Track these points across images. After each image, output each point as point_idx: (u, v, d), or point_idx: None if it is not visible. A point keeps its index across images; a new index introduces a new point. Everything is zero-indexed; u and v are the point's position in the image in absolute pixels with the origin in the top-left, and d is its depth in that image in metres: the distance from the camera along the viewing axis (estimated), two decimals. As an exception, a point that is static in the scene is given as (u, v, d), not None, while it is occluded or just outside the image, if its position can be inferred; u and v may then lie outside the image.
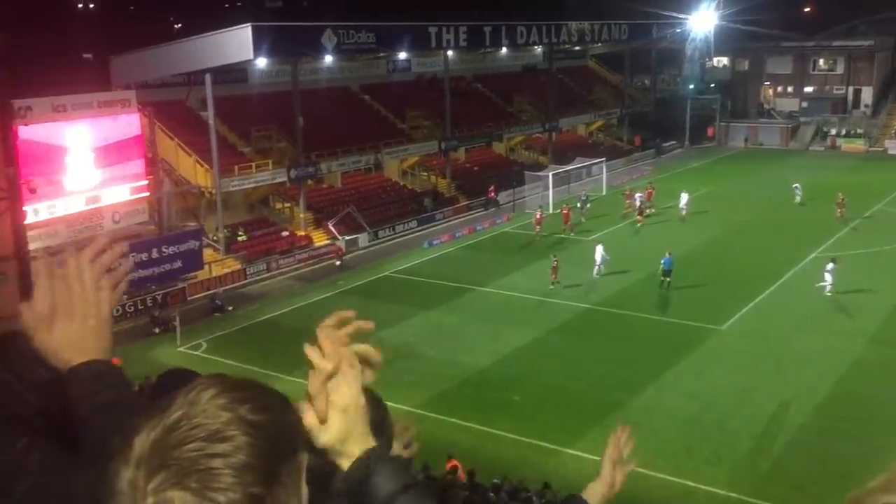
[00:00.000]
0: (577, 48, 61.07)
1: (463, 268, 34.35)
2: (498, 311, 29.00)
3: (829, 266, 29.22)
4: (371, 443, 1.27)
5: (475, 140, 51.03)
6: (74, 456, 1.38)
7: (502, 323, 27.78)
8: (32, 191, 27.31)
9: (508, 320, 28.06)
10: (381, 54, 45.98)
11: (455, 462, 16.79)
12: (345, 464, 1.24)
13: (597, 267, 31.78)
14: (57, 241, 29.17)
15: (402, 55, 46.61)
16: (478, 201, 46.38)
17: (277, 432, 1.01)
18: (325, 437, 1.20)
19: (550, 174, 45.67)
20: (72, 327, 1.47)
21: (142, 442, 0.94)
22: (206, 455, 0.93)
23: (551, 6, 56.59)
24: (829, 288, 28.96)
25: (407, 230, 41.62)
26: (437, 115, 47.80)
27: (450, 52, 46.67)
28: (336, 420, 1.20)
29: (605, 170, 49.91)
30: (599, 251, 32.01)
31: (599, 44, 60.26)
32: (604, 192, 47.54)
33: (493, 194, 46.38)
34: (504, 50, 53.37)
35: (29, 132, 27.34)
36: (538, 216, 39.24)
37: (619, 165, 55.87)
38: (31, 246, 24.92)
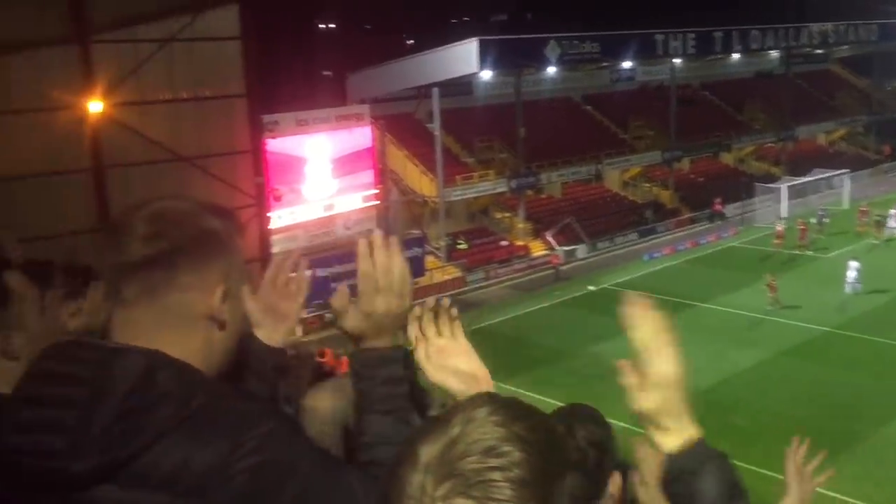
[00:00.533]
0: (819, 51, 56.77)
1: (685, 282, 32.98)
2: (722, 330, 27.52)
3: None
4: (690, 428, 1.46)
5: (701, 150, 48.89)
6: (336, 469, 1.47)
7: (727, 342, 26.32)
8: (277, 198, 29.75)
9: (734, 340, 26.54)
10: (605, 64, 45.40)
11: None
12: (658, 436, 1.42)
13: (849, 285, 29.27)
14: (295, 246, 31.53)
15: (627, 64, 45.70)
16: (702, 214, 44.38)
17: (549, 450, 1.05)
18: (644, 404, 1.36)
19: (784, 186, 42.74)
20: (379, 313, 1.72)
21: (428, 451, 1.01)
22: (487, 468, 0.98)
23: (789, 7, 53.09)
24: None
25: (627, 242, 40.69)
26: (662, 125, 46.38)
27: (676, 60, 45.17)
28: (653, 393, 1.34)
29: (847, 182, 45.90)
30: (854, 268, 29.49)
31: (845, 46, 55.65)
32: (846, 206, 43.74)
33: (719, 207, 44.16)
34: (735, 56, 50.76)
35: (275, 145, 29.81)
36: (779, 229, 36.84)
37: (865, 177, 51.06)
38: (274, 249, 27.12)
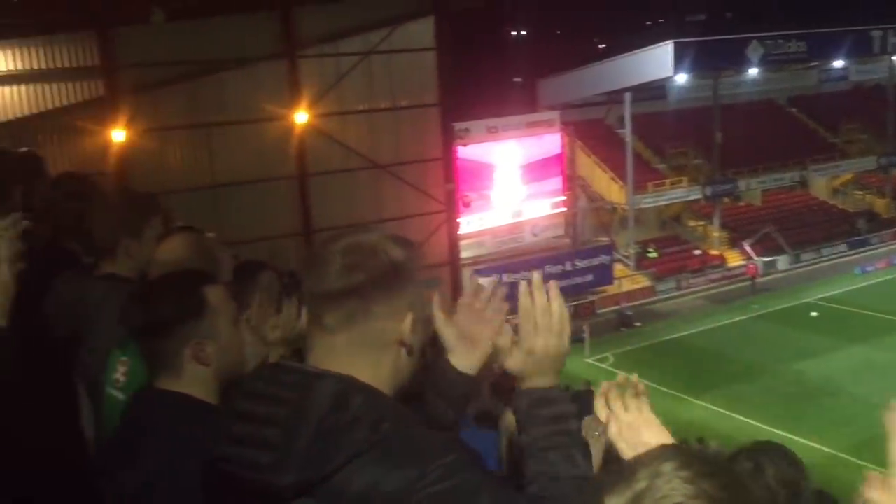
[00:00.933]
0: None
1: (902, 299, 30.17)
2: (946, 352, 24.91)
3: None
4: None
5: (924, 154, 44.53)
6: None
7: (952, 366, 23.78)
8: (466, 205, 30.31)
9: (960, 364, 23.94)
10: (813, 64, 42.49)
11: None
12: None
13: None
14: (483, 252, 32.00)
15: (838, 63, 42.50)
16: (925, 225, 40.43)
17: None
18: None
19: None
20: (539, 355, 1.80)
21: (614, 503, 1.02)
22: None
23: None
24: None
25: (835, 254, 37.82)
26: (877, 128, 42.73)
27: (895, 58, 41.47)
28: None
29: None
30: None
31: None
32: None
33: (945, 217, 40.07)
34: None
35: (465, 152, 30.38)
36: None
37: None
38: (462, 255, 27.66)
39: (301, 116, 20.97)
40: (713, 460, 1.07)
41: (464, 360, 1.89)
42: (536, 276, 1.81)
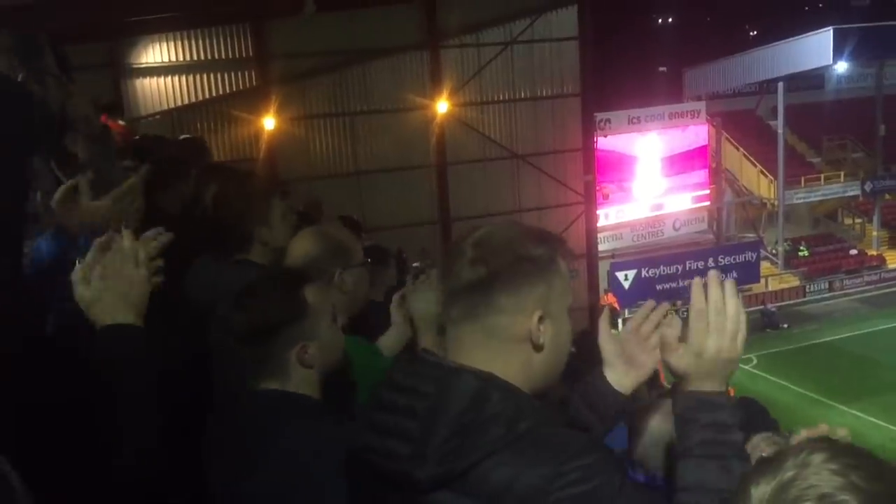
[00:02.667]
0: None
1: None
2: None
3: None
4: None
5: None
6: None
7: None
8: (605, 197, 29.80)
9: None
10: None
11: None
12: None
13: None
14: (621, 245, 31.36)
15: None
16: None
17: (890, 500, 1.02)
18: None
19: None
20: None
21: (760, 491, 1.03)
22: None
23: None
24: None
25: None
26: None
27: None
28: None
29: None
30: None
31: None
32: None
33: None
34: None
35: (606, 142, 29.84)
36: None
37: None
38: (600, 247, 27.19)
39: (442, 106, 21.17)
40: (861, 452, 1.05)
41: (620, 378, 1.90)
42: (713, 273, 1.74)
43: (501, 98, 22.25)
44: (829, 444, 1.06)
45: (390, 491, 1.49)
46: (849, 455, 1.03)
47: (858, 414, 20.55)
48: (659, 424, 2.59)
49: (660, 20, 51.08)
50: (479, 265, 1.52)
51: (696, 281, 1.75)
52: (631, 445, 2.67)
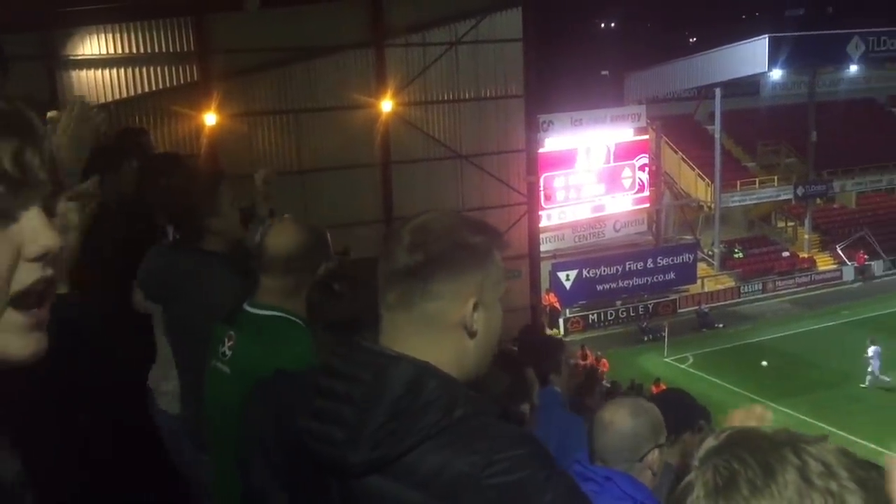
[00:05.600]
0: None
1: None
2: None
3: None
4: None
5: None
6: None
7: None
8: (548, 197, 30.12)
9: None
10: (918, 61, 40.54)
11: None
12: None
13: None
14: (563, 246, 31.74)
15: (946, 61, 40.43)
16: None
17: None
18: None
19: None
20: None
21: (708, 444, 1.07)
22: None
23: None
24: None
25: (934, 261, 36.14)
26: None
27: None
28: None
29: None
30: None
31: None
32: None
33: None
34: None
35: (549, 144, 30.16)
36: None
37: None
38: (542, 247, 27.48)
39: (386, 105, 21.17)
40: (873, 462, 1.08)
41: None
42: None
43: (446, 98, 22.34)
44: (843, 448, 1.06)
45: (328, 476, 1.52)
46: (854, 456, 1.05)
47: (788, 411, 21.17)
48: (623, 421, 2.70)
49: (602, 25, 51.86)
50: (416, 251, 1.53)
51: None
52: (591, 440, 2.76)
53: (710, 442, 1.07)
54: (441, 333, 1.56)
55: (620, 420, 2.70)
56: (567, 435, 3.62)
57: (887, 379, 23.79)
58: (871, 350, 24.00)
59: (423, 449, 1.43)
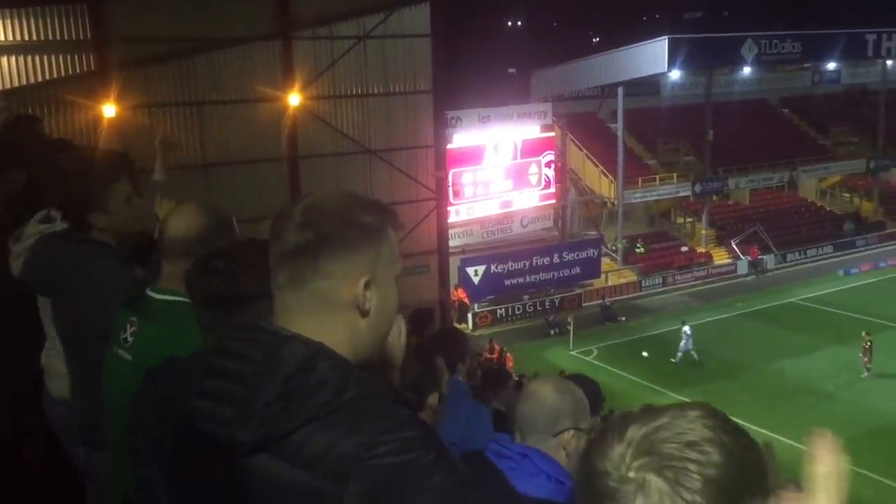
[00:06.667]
0: None
1: (885, 302, 30.42)
2: (925, 357, 25.19)
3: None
4: None
5: (913, 160, 44.87)
6: (465, 491, 1.50)
7: (931, 370, 24.06)
8: (456, 193, 30.32)
9: (939, 368, 24.21)
10: (806, 65, 42.69)
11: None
12: None
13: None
14: (471, 241, 32.03)
15: (831, 65, 42.69)
16: (910, 229, 40.78)
17: (748, 469, 1.09)
18: None
19: None
20: None
21: (635, 429, 1.10)
22: (685, 457, 1.06)
23: None
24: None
25: (820, 255, 38.11)
26: (868, 132, 43.00)
27: (889, 62, 41.67)
28: None
29: None
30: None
31: None
32: None
33: (930, 222, 40.44)
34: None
35: (457, 140, 30.38)
36: None
37: None
38: (451, 243, 27.66)
39: (294, 98, 20.87)
40: (740, 428, 1.13)
41: None
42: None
43: (354, 93, 22.20)
44: (710, 408, 1.13)
45: (213, 455, 1.48)
46: (726, 421, 1.12)
47: (686, 400, 21.93)
48: (546, 393, 2.77)
49: (509, 23, 52.47)
50: (307, 229, 1.51)
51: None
52: (515, 409, 2.82)
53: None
54: (332, 313, 1.54)
55: (545, 391, 2.77)
56: (473, 423, 3.68)
57: (696, 356, 25.75)
58: (686, 329, 26.11)
59: (310, 428, 1.41)
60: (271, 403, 1.42)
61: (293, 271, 1.53)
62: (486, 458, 2.69)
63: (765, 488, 1.12)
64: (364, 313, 1.56)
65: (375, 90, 22.38)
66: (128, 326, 2.64)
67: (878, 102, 42.23)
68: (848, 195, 43.31)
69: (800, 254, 37.86)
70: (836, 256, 37.90)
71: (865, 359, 24.03)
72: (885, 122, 41.68)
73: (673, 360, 25.95)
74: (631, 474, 1.06)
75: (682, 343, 26.01)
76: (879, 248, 38.90)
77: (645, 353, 26.52)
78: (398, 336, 1.77)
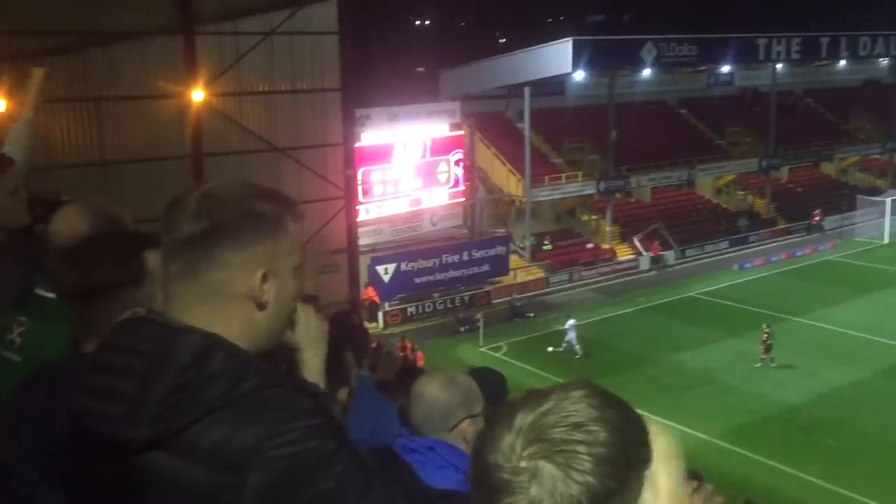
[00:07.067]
0: (933, 59, 53.93)
1: (777, 295, 31.93)
2: (814, 346, 26.53)
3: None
4: None
5: (801, 159, 47.19)
6: (368, 479, 1.48)
7: (819, 359, 25.35)
8: (365, 192, 30.19)
9: (827, 356, 25.53)
10: (703, 67, 44.36)
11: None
12: None
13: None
14: (381, 239, 31.96)
15: (725, 68, 44.48)
16: (799, 225, 42.87)
17: (634, 442, 1.13)
18: None
19: (889, 200, 40.87)
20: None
21: (522, 417, 1.11)
22: (573, 440, 1.08)
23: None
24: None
25: (717, 251, 39.66)
26: (760, 132, 44.97)
27: (779, 66, 43.73)
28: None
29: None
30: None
31: (962, 54, 52.71)
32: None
33: (817, 218, 42.61)
34: (842, 63, 48.74)
35: (366, 138, 30.24)
36: None
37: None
38: (361, 242, 27.54)
39: (197, 95, 20.36)
40: (621, 400, 1.16)
41: None
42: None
43: (261, 90, 21.83)
44: (592, 385, 1.16)
45: (104, 454, 1.41)
46: (608, 396, 1.15)
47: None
48: (433, 392, 2.79)
49: (417, 22, 52.57)
50: (201, 218, 1.46)
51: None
52: (409, 413, 2.83)
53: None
54: (228, 305, 1.49)
55: (431, 391, 2.78)
56: (380, 418, 3.69)
57: (578, 349, 26.49)
58: (568, 323, 26.81)
59: (207, 422, 1.36)
60: (165, 398, 1.37)
61: (187, 262, 1.47)
62: (394, 453, 2.71)
63: (648, 456, 1.16)
64: (261, 306, 1.51)
65: (283, 87, 22.07)
66: (14, 327, 2.54)
67: (769, 104, 44.17)
68: (742, 193, 45.21)
69: (698, 249, 39.29)
70: (731, 252, 39.48)
71: (762, 349, 25.09)
72: (775, 123, 43.67)
73: (558, 349, 26.73)
74: (523, 464, 1.07)
75: (567, 336, 26.79)
76: (771, 244, 40.79)
77: (550, 349, 27.05)
78: (306, 326, 1.75)
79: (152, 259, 2.03)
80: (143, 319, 1.50)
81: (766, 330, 25.15)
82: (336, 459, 1.40)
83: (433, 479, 2.62)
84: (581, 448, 1.07)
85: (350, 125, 24.44)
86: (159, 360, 1.40)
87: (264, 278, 1.50)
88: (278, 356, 1.70)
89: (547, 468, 1.06)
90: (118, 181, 18.57)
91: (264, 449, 1.35)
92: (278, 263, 1.53)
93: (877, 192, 44.36)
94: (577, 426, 1.09)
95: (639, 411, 1.20)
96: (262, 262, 1.50)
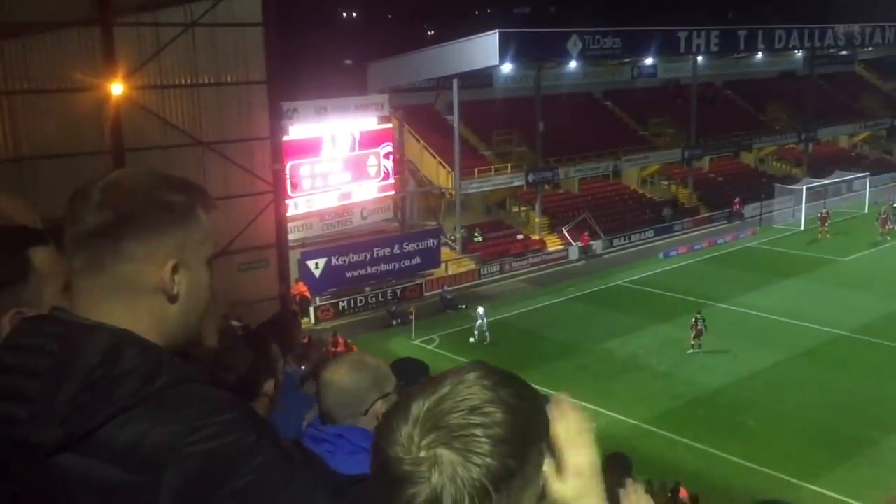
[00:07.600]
0: (844, 53, 56.19)
1: (700, 282, 32.86)
2: (736, 330, 27.41)
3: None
4: None
5: (721, 149, 48.63)
6: (291, 469, 1.43)
7: (740, 342, 26.21)
8: (294, 186, 29.82)
9: (747, 340, 26.42)
10: (626, 60, 45.24)
11: (686, 493, 15.77)
12: None
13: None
14: (311, 234, 31.64)
15: (648, 61, 45.44)
16: (721, 213, 44.17)
17: (531, 418, 1.14)
18: (562, 490, 1.23)
19: (804, 188, 42.43)
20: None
21: (418, 406, 1.11)
22: (470, 424, 1.09)
23: (814, 7, 52.56)
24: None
25: (643, 240, 40.56)
26: (682, 123, 46.13)
27: (699, 58, 44.88)
28: (572, 481, 1.23)
29: (868, 185, 45.52)
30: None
31: (870, 48, 55.01)
32: (865, 210, 43.37)
33: (737, 207, 43.96)
34: (759, 55, 50.33)
35: (294, 132, 29.87)
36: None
37: (887, 181, 50.62)
38: (291, 237, 27.17)
39: (116, 88, 19.75)
40: (516, 377, 1.18)
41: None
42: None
43: (184, 82, 21.28)
44: (484, 366, 1.16)
45: (11, 458, 1.35)
46: (500, 375, 1.15)
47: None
48: (342, 378, 2.77)
49: (344, 14, 52.11)
50: (106, 209, 1.40)
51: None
52: (319, 401, 2.81)
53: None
54: (137, 298, 1.44)
55: (340, 378, 2.77)
56: (304, 411, 3.66)
57: (488, 336, 27.36)
58: (479, 311, 27.72)
59: (120, 420, 1.32)
60: (74, 398, 1.31)
61: (91, 255, 1.42)
62: (301, 446, 2.69)
63: (546, 432, 1.18)
64: (172, 298, 1.47)
65: (207, 80, 21.56)
66: None
67: (690, 95, 45.30)
68: (666, 183, 46.31)
69: (624, 239, 40.10)
70: (656, 240, 40.43)
71: (693, 335, 25.71)
72: (696, 115, 44.82)
73: (472, 339, 27.37)
74: (422, 454, 1.07)
75: (478, 323, 27.53)
76: (694, 232, 41.91)
77: (472, 339, 27.33)
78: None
79: (39, 256, 1.95)
80: (48, 317, 1.44)
81: (697, 317, 25.83)
82: (256, 451, 1.36)
83: (343, 466, 2.60)
84: (478, 431, 1.08)
85: (277, 118, 24.03)
86: (67, 359, 1.34)
87: (175, 270, 1.46)
88: (196, 356, 1.64)
89: (446, 455, 1.07)
90: (33, 177, 17.88)
91: (180, 446, 1.31)
92: (189, 254, 1.48)
93: (793, 180, 46.01)
94: (472, 409, 1.09)
95: (545, 390, 1.23)
96: (171, 253, 1.45)
